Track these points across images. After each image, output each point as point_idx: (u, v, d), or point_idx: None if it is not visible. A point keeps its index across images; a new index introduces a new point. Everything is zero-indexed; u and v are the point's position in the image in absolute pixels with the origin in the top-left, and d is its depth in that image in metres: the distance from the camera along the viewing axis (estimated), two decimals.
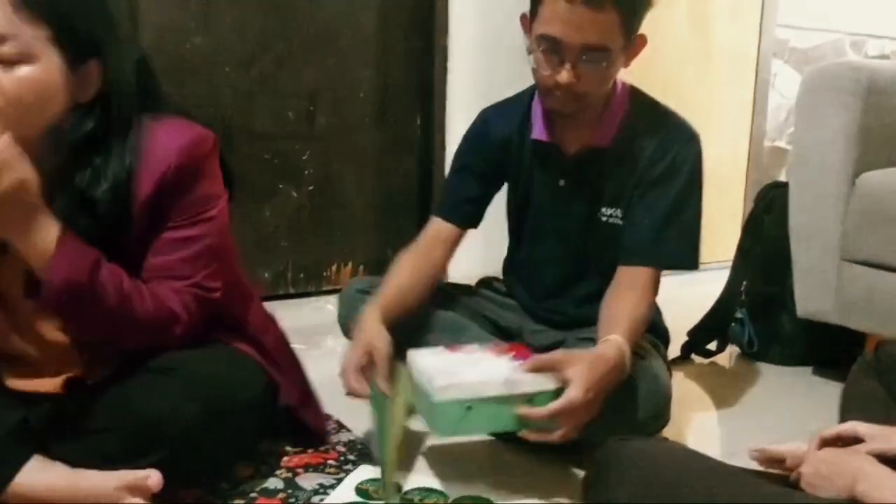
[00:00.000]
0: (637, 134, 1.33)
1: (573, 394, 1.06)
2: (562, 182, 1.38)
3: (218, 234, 1.07)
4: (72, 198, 0.96)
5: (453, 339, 1.33)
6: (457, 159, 1.48)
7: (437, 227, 1.43)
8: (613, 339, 1.16)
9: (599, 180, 1.35)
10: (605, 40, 1.19)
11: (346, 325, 1.51)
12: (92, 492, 0.95)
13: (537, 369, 1.10)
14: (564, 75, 1.21)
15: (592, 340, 1.28)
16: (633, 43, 1.25)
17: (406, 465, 1.22)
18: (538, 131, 1.37)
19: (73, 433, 1.00)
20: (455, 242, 1.44)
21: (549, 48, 1.21)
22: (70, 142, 0.96)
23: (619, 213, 1.35)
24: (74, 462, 0.97)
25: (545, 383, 1.09)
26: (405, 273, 1.38)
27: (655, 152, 1.31)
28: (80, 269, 0.93)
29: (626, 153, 1.33)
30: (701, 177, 1.34)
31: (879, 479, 0.75)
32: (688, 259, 1.33)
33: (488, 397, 1.07)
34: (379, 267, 2.39)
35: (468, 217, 1.44)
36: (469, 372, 1.10)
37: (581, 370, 1.08)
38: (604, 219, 1.36)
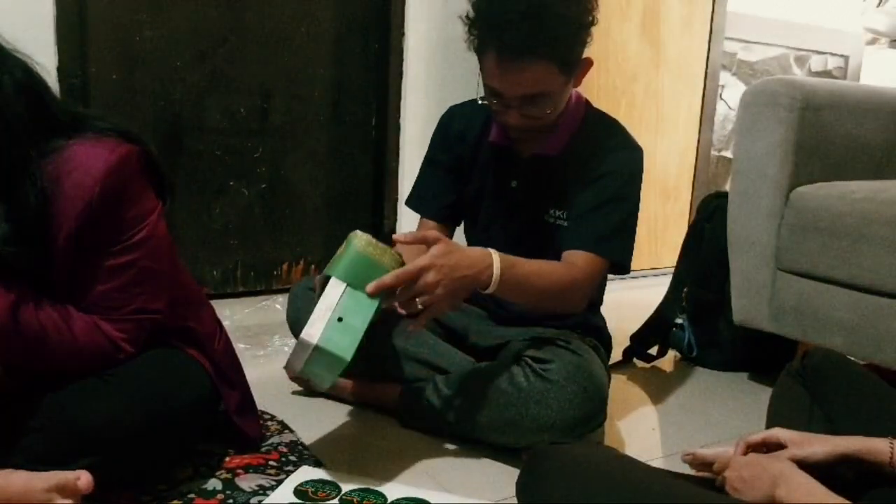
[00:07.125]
0: (584, 144, 1.37)
1: (420, 261, 1.10)
2: (514, 183, 1.43)
3: (151, 254, 1.03)
4: None
5: (418, 348, 1.40)
6: (428, 152, 1.54)
7: (426, 226, 1.49)
8: (490, 252, 1.18)
9: (549, 183, 1.40)
10: (543, 87, 1.22)
11: (295, 323, 1.52)
12: (20, 492, 0.92)
13: (409, 242, 1.15)
14: (510, 119, 1.27)
15: (538, 340, 1.33)
16: (578, 69, 1.28)
17: (344, 466, 1.23)
18: (495, 135, 1.42)
19: (5, 433, 0.97)
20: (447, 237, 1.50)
21: (493, 96, 1.26)
22: None
23: (564, 214, 1.39)
24: (4, 462, 0.95)
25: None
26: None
27: (595, 156, 1.36)
28: None
29: (572, 161, 1.37)
30: (635, 183, 1.37)
31: (797, 485, 0.78)
32: (611, 248, 1.32)
33: (342, 303, 1.09)
34: None
35: (447, 216, 1.51)
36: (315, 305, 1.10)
37: (437, 248, 1.12)
38: (550, 220, 1.40)
